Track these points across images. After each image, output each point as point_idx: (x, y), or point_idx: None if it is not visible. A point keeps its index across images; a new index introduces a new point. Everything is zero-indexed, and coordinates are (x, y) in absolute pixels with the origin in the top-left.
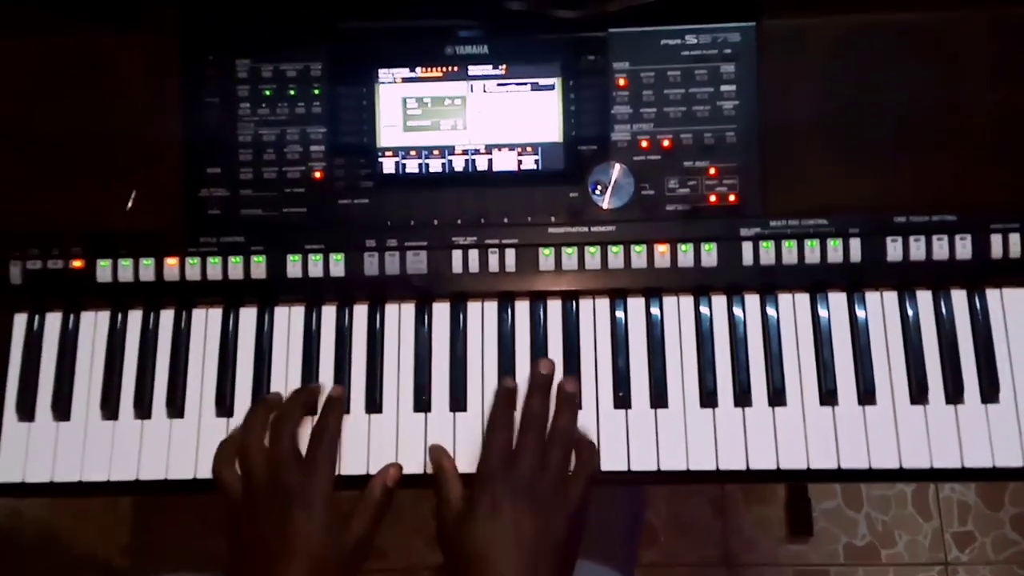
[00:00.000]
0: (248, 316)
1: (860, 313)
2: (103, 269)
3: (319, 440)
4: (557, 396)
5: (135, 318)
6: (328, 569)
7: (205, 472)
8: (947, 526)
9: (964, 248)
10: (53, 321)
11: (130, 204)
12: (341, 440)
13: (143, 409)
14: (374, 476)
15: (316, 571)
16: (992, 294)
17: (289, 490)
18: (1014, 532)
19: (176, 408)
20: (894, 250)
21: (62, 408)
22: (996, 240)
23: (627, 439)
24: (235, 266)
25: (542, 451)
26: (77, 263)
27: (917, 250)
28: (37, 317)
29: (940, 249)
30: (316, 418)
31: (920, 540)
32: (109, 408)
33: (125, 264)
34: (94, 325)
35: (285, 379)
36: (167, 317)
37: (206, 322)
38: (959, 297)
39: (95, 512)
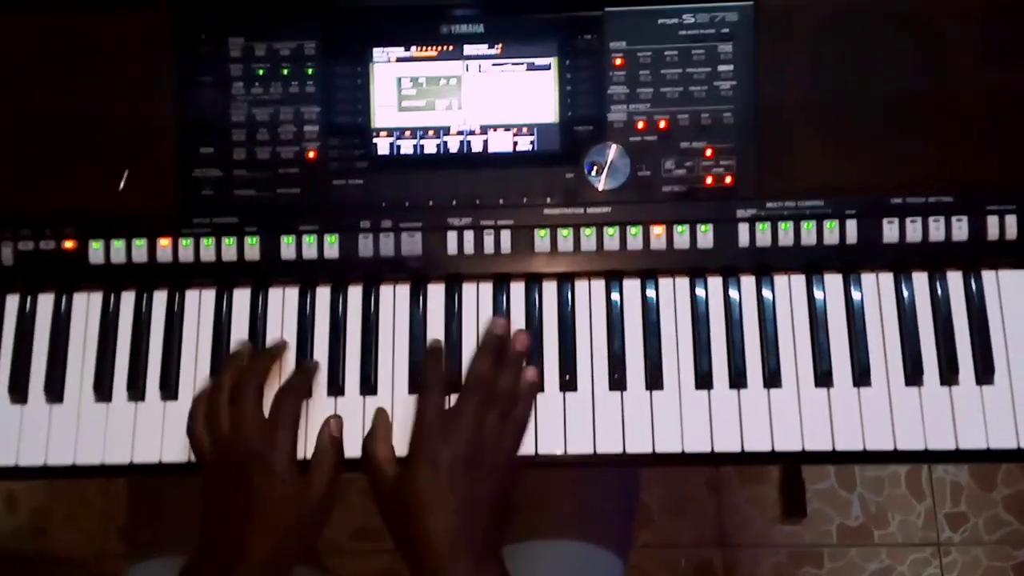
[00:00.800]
0: (242, 297)
1: (856, 295)
2: (95, 250)
3: (282, 401)
4: (505, 354)
5: (128, 300)
6: (289, 528)
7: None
8: (940, 507)
9: (960, 229)
10: (45, 303)
11: (122, 185)
12: (335, 418)
13: (136, 391)
14: (319, 432)
15: (276, 529)
16: (988, 276)
17: (249, 449)
18: (1007, 513)
19: (170, 390)
20: (890, 231)
21: (55, 390)
22: (992, 222)
23: (622, 421)
24: (228, 247)
25: (481, 411)
26: (69, 244)
27: (913, 232)
28: (29, 299)
29: (936, 231)
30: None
31: (913, 520)
32: (102, 390)
33: (118, 245)
34: (87, 307)
35: (279, 360)
36: (160, 298)
37: (199, 303)
38: (955, 279)
39: (91, 495)
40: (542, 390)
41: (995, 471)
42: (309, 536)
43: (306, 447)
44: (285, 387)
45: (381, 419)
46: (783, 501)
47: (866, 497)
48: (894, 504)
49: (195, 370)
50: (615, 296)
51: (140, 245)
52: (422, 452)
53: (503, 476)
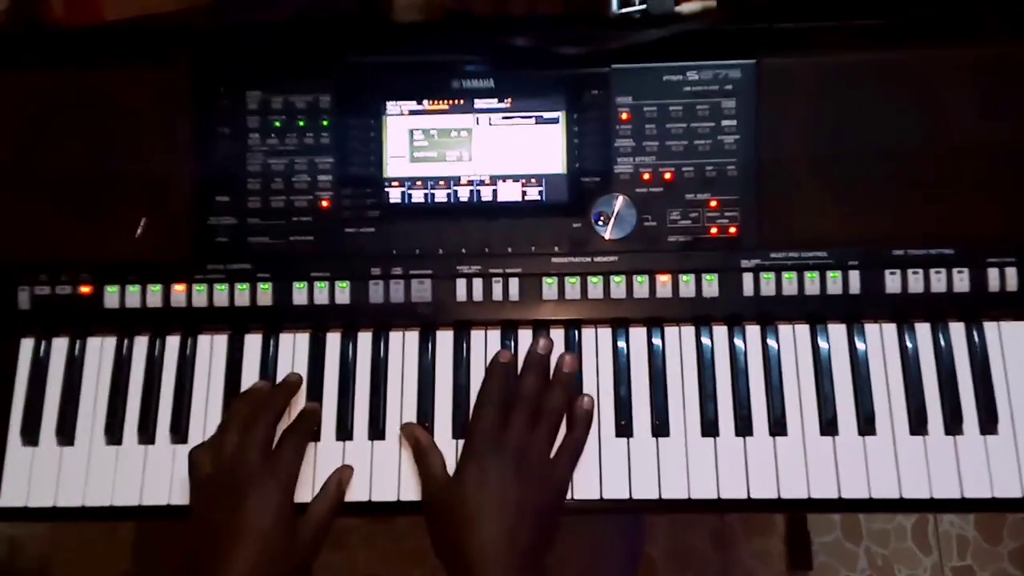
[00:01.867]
0: (254, 343)
1: (859, 344)
2: (111, 295)
3: (288, 438)
4: (554, 374)
5: (141, 344)
6: (276, 556)
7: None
8: (946, 560)
9: (962, 281)
10: (60, 346)
11: (139, 232)
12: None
13: (147, 435)
14: (330, 476)
15: (263, 556)
16: (990, 327)
17: (250, 474)
18: (1013, 566)
19: (180, 434)
20: (892, 283)
21: (67, 433)
22: (993, 274)
23: (629, 467)
24: (241, 293)
25: (531, 426)
26: (85, 289)
27: (915, 283)
28: (44, 342)
29: (938, 282)
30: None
31: (920, 574)
32: (113, 433)
33: (132, 290)
34: (100, 350)
35: (289, 406)
36: (173, 343)
37: (211, 348)
38: (957, 330)
39: (95, 540)
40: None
41: (1001, 524)
42: (293, 563)
43: (313, 489)
44: (291, 427)
45: (421, 433)
46: (789, 554)
47: (872, 550)
48: (900, 557)
49: (205, 414)
50: (621, 344)
51: (155, 291)
52: (472, 460)
53: (554, 494)
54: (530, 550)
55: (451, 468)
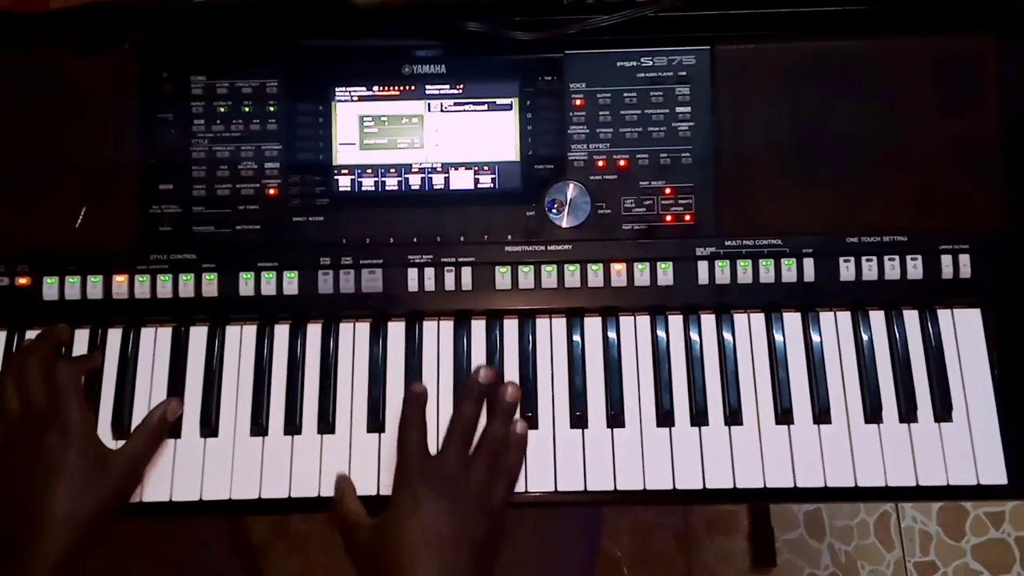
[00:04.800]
0: (198, 335)
1: (814, 333)
2: (49, 287)
3: (58, 370)
4: (494, 404)
5: (82, 337)
6: (91, 487)
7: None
8: (909, 556)
9: (915, 269)
10: None
11: (79, 222)
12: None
13: None
14: (155, 408)
15: (76, 491)
16: (943, 314)
17: (41, 418)
18: (976, 562)
19: (121, 430)
20: (847, 270)
21: None
22: (946, 261)
23: (584, 459)
24: (186, 284)
25: (466, 454)
26: (23, 280)
27: (869, 270)
28: None
29: (892, 269)
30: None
31: (883, 570)
32: None
33: (72, 282)
34: None
35: (235, 399)
36: (115, 336)
37: (155, 341)
38: (911, 317)
39: None
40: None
41: (964, 519)
42: (109, 492)
43: (260, 485)
44: (60, 360)
45: (344, 481)
46: (752, 551)
47: (836, 547)
48: (864, 553)
49: (148, 408)
50: (576, 334)
51: (95, 282)
52: (404, 492)
53: (490, 524)
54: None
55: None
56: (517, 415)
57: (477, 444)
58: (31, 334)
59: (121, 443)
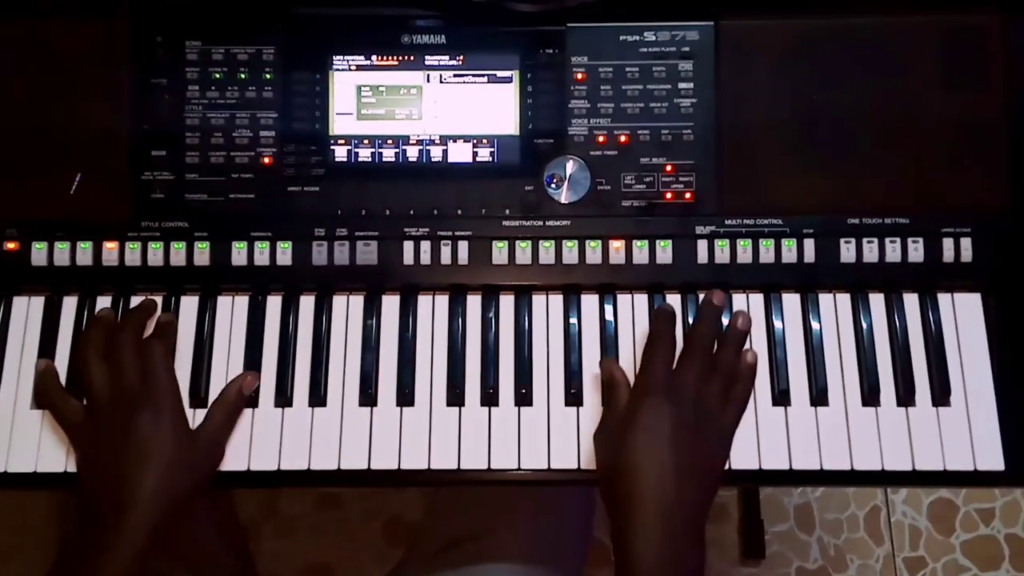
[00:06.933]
0: (189, 305)
1: (813, 315)
2: (38, 252)
3: (150, 347)
4: (728, 329)
5: (70, 304)
6: (182, 470)
7: None
8: (899, 551)
9: (916, 251)
10: None
11: (74, 189)
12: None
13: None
14: (231, 381)
15: (167, 471)
16: (944, 298)
17: (134, 398)
18: (965, 558)
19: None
20: (847, 252)
21: None
22: (948, 244)
23: (578, 437)
24: (177, 252)
25: (705, 374)
26: (11, 245)
27: (870, 252)
28: None
29: (893, 252)
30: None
31: (872, 565)
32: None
33: (61, 247)
34: (27, 310)
35: (226, 370)
36: (104, 304)
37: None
38: (911, 300)
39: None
40: None
41: (954, 515)
42: (199, 472)
43: (248, 457)
44: (154, 341)
45: (619, 372)
46: (742, 542)
47: (825, 540)
48: (853, 547)
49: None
50: (572, 310)
51: (85, 248)
52: (648, 401)
53: (721, 450)
54: (695, 510)
55: (388, 434)
56: (748, 345)
57: (714, 365)
58: (20, 301)
59: None
